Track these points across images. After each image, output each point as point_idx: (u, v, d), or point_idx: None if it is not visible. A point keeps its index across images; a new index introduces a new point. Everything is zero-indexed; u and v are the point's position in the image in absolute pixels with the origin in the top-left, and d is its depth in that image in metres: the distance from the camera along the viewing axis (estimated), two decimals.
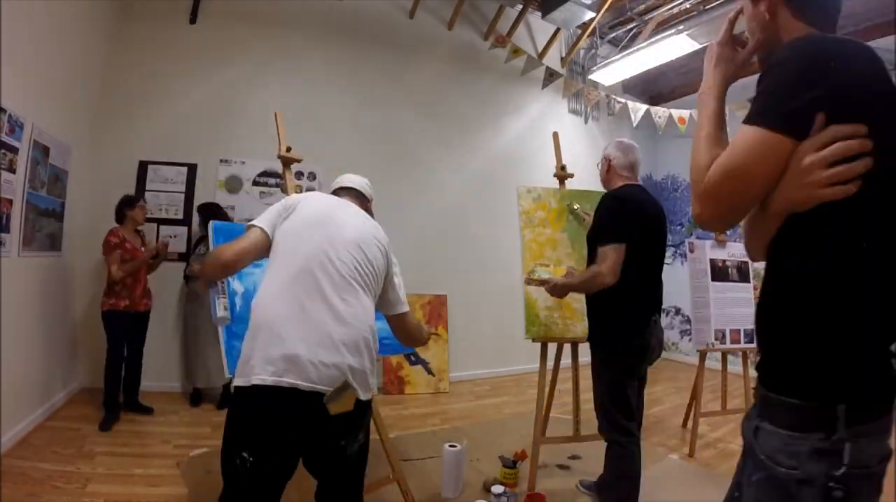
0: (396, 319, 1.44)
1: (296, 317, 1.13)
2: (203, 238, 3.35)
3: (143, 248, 3.00)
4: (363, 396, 1.17)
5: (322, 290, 1.16)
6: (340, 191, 1.52)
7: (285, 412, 1.09)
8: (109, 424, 2.73)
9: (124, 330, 2.90)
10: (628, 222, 1.76)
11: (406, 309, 1.44)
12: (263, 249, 1.27)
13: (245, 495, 1.12)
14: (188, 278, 3.41)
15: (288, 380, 1.07)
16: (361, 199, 1.52)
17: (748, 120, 0.71)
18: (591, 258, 1.86)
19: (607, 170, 2.00)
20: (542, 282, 2.07)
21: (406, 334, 1.49)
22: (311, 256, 1.20)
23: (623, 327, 1.78)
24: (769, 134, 0.68)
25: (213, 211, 3.31)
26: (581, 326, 2.40)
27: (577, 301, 2.45)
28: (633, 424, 1.82)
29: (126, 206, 2.98)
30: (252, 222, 1.29)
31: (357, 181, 1.56)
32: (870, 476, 0.67)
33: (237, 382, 1.11)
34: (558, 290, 1.95)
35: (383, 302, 1.39)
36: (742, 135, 0.71)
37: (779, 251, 0.75)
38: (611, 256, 1.71)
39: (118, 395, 2.90)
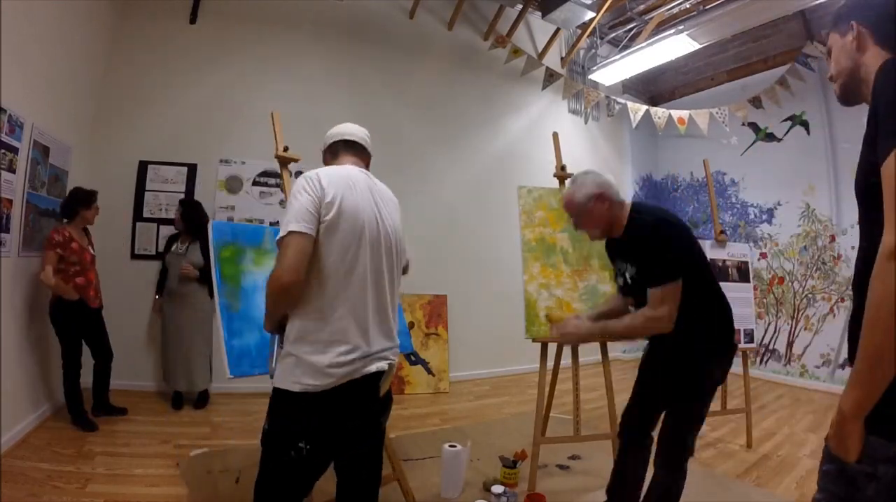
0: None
1: (363, 322, 1.19)
2: (178, 235, 3.27)
3: (90, 248, 2.80)
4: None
5: (378, 292, 1.24)
6: (341, 148, 1.38)
7: (353, 401, 1.18)
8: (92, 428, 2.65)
9: (77, 327, 2.68)
10: (685, 249, 1.55)
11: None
12: (308, 255, 1.15)
13: (294, 481, 1.18)
14: (163, 278, 3.31)
15: (364, 371, 1.17)
16: (364, 158, 1.43)
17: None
18: (641, 300, 1.58)
19: (608, 208, 1.63)
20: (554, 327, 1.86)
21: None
22: (365, 268, 1.21)
23: (721, 334, 1.61)
24: None
25: (196, 209, 3.25)
26: None
27: (578, 301, 2.45)
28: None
29: (81, 204, 2.73)
30: (290, 228, 1.12)
31: (358, 132, 1.43)
32: None
33: (308, 387, 1.12)
34: (577, 339, 1.78)
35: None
36: None
37: None
38: (669, 298, 1.48)
39: (83, 408, 2.71)
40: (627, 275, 1.66)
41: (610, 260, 1.83)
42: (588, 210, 1.64)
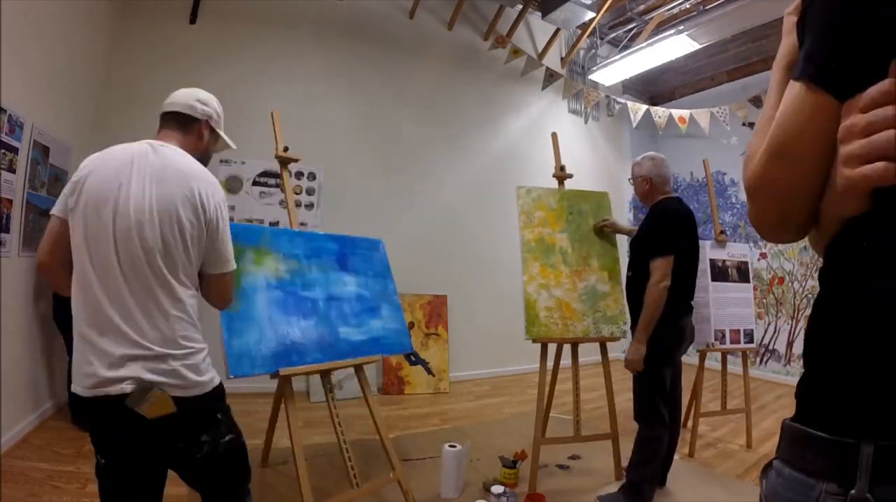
0: (215, 280, 1.19)
1: (95, 328, 1.02)
2: None
3: None
4: (182, 393, 1.05)
5: (118, 290, 1.03)
6: (161, 121, 1.26)
7: (105, 420, 1.04)
8: None
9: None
10: (675, 235, 2.02)
11: (230, 268, 1.22)
12: (63, 237, 1.07)
13: (112, 497, 1.10)
14: None
15: (100, 391, 1.00)
16: (186, 127, 1.23)
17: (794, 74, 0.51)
18: (634, 260, 2.14)
19: (649, 187, 2.17)
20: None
21: (217, 293, 1.23)
22: (98, 251, 1.03)
23: (665, 317, 1.98)
24: (810, 92, 0.47)
25: None
26: (581, 326, 2.40)
27: (578, 301, 2.45)
28: (666, 409, 2.05)
29: None
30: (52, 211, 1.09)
31: (180, 99, 1.24)
32: None
33: (73, 388, 1.05)
34: (638, 359, 2.01)
35: (207, 262, 1.16)
36: (788, 94, 0.51)
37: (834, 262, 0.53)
38: (662, 267, 1.96)
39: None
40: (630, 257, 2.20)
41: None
42: (634, 181, 2.25)
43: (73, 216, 1.06)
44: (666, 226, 2.04)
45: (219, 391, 1.17)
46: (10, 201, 2.41)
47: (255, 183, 3.82)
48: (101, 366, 1.00)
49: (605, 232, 2.59)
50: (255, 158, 3.76)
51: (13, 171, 2.41)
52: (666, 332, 2.02)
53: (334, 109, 4.14)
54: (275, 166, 2.14)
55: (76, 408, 1.12)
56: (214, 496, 1.22)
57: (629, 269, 2.20)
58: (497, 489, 2.00)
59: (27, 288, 2.64)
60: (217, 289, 1.21)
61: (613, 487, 2.30)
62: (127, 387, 0.99)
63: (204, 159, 1.28)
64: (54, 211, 1.09)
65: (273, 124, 2.12)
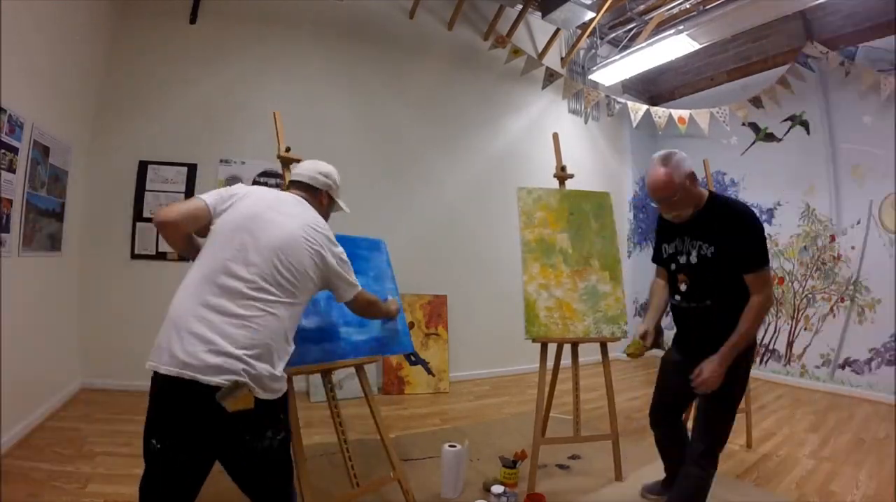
0: (350, 304, 1.56)
1: (198, 317, 1.15)
2: None
3: None
4: (263, 395, 1.17)
5: (222, 296, 1.19)
6: (291, 185, 1.56)
7: (186, 403, 1.12)
8: None
9: None
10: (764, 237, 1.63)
11: (355, 292, 1.52)
12: (202, 221, 1.31)
13: (157, 481, 1.15)
14: None
15: (189, 373, 1.09)
16: (311, 192, 1.53)
17: None
18: (714, 286, 1.65)
19: (697, 186, 1.70)
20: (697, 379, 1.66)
21: (363, 311, 1.66)
22: (221, 265, 1.22)
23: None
24: None
25: None
26: (581, 326, 2.40)
27: (578, 301, 2.45)
28: None
29: None
30: (200, 195, 1.34)
31: (305, 171, 1.55)
32: None
33: (150, 365, 1.15)
34: (722, 369, 1.60)
35: (336, 294, 1.50)
36: None
37: None
38: (771, 279, 1.61)
39: None
40: (696, 254, 1.69)
41: (665, 238, 1.86)
42: (686, 188, 1.66)
43: (222, 215, 1.31)
44: (761, 230, 1.60)
45: (286, 393, 1.30)
46: (10, 201, 2.41)
47: (255, 183, 3.82)
48: (201, 351, 1.11)
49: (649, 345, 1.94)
50: (255, 158, 3.76)
51: (13, 171, 2.41)
52: (752, 351, 1.72)
53: (334, 109, 4.14)
54: (275, 166, 2.14)
55: (151, 390, 1.17)
56: (269, 490, 1.29)
57: (703, 299, 1.69)
58: (497, 489, 2.00)
59: (27, 288, 2.64)
60: (357, 309, 1.63)
61: (614, 487, 2.30)
62: (220, 381, 1.09)
63: (324, 217, 1.55)
64: (205, 197, 1.33)
65: (275, 125, 2.11)
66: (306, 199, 1.49)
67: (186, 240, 1.34)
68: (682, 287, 1.76)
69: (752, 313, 1.58)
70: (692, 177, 1.68)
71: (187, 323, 1.14)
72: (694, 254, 1.70)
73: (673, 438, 2.06)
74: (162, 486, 1.15)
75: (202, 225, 1.32)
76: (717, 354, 1.60)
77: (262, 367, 1.17)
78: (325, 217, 1.55)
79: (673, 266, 1.81)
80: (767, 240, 5.06)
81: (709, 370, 1.60)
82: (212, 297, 1.18)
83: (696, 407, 1.78)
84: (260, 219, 1.31)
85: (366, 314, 1.70)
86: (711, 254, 1.64)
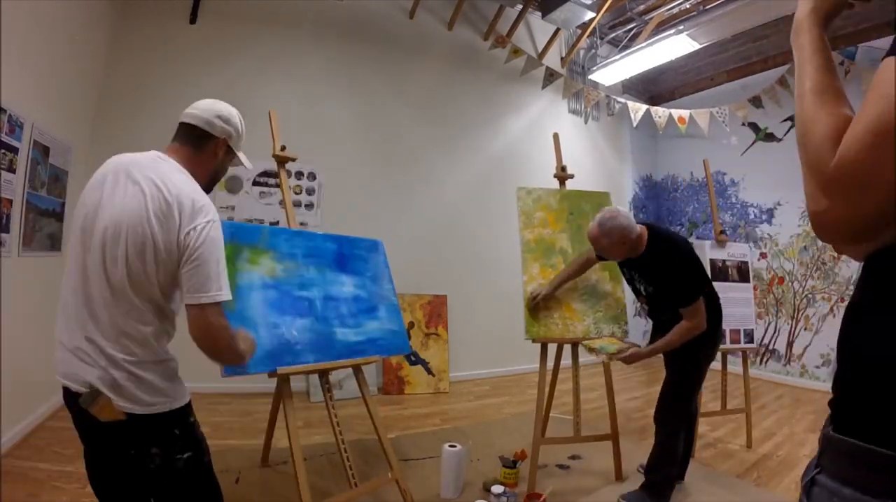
0: (192, 311, 1.03)
1: (65, 322, 1.05)
2: None
3: None
4: (133, 409, 1.00)
5: (89, 296, 1.03)
6: (177, 131, 1.23)
7: (73, 412, 1.06)
8: None
9: None
10: (699, 270, 2.00)
11: (206, 300, 1.02)
12: None
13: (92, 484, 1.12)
14: None
15: (64, 382, 1.03)
16: (199, 142, 1.18)
17: None
18: (663, 309, 2.06)
19: (629, 247, 1.99)
20: (613, 356, 2.08)
21: (201, 335, 1.04)
22: (76, 258, 1.07)
23: (712, 320, 1.99)
24: None
25: None
26: (581, 326, 2.40)
27: (578, 301, 2.45)
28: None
29: None
30: None
31: (200, 111, 1.20)
32: None
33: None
34: (641, 358, 2.05)
35: (184, 287, 1.03)
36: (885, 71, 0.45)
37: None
38: (701, 309, 1.90)
39: None
40: (643, 289, 2.09)
41: (627, 265, 2.17)
42: (614, 244, 1.98)
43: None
44: (693, 263, 1.98)
45: (176, 411, 1.09)
46: (10, 201, 2.41)
47: (255, 183, 3.82)
48: (67, 357, 1.03)
49: (540, 300, 2.35)
50: (255, 158, 3.72)
51: (13, 171, 2.41)
52: (713, 338, 2.05)
53: (334, 109, 4.14)
54: (275, 166, 2.14)
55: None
56: None
57: (659, 316, 2.14)
58: (497, 489, 2.00)
59: (27, 288, 2.64)
60: (193, 320, 1.03)
61: (614, 487, 2.30)
62: (81, 388, 0.99)
63: (215, 177, 1.25)
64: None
65: (270, 124, 2.11)
66: (178, 154, 1.16)
67: None
68: (646, 307, 2.18)
69: (679, 332, 1.92)
70: (623, 235, 1.95)
71: (62, 333, 1.06)
72: (643, 288, 2.11)
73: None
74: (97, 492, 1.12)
75: None
76: (647, 348, 2.04)
77: (125, 379, 1.00)
78: (217, 173, 1.25)
79: (634, 288, 2.19)
80: (767, 241, 5.06)
81: (634, 354, 2.04)
82: (77, 315, 1.04)
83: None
84: (99, 201, 1.06)
85: (204, 337, 1.06)
86: (653, 291, 2.06)
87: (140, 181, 1.06)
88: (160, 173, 1.08)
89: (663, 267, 1.94)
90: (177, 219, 1.02)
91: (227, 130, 1.21)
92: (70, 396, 1.03)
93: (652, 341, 2.16)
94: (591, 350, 2.19)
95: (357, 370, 2.02)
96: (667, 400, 2.10)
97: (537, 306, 2.34)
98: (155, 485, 1.08)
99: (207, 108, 1.20)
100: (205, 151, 1.19)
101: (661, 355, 2.10)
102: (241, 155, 1.28)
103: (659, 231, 2.03)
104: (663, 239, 1.99)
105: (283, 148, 2.08)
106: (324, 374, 1.93)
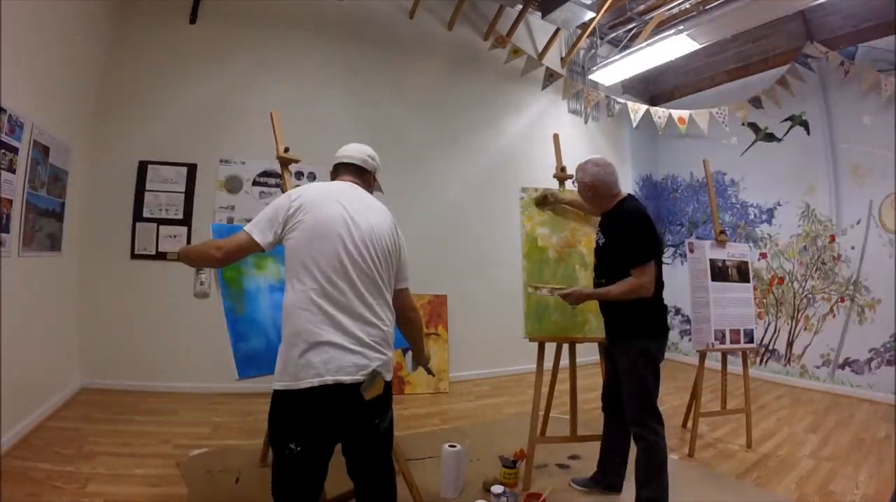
0: (400, 294, 1.46)
1: (329, 324, 1.23)
2: None
3: None
4: (388, 377, 1.32)
5: (348, 297, 1.26)
6: (340, 168, 1.55)
7: (330, 406, 1.21)
8: None
9: None
10: (654, 239, 1.98)
11: (407, 285, 1.49)
12: (249, 253, 1.36)
13: (297, 479, 1.24)
14: None
15: (332, 378, 1.19)
16: (362, 175, 1.55)
17: None
18: (606, 268, 2.03)
19: (593, 194, 2.10)
20: (555, 290, 2.12)
21: (404, 311, 1.49)
22: (331, 265, 1.26)
23: (658, 318, 2.02)
24: None
25: None
26: (581, 327, 2.40)
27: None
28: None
29: None
30: (246, 226, 1.33)
31: (356, 154, 1.57)
32: None
33: (281, 386, 1.23)
34: (581, 297, 2.07)
35: (398, 279, 1.46)
36: None
37: None
38: (649, 272, 1.91)
39: None
40: (601, 242, 2.09)
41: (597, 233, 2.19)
42: (581, 187, 2.13)
43: (293, 233, 1.29)
44: (649, 230, 1.95)
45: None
46: (10, 201, 2.41)
47: (255, 183, 3.82)
48: (341, 356, 1.21)
49: (549, 201, 2.54)
50: (255, 158, 3.76)
51: (13, 171, 2.41)
52: (662, 333, 2.03)
53: (334, 109, 4.14)
54: (275, 166, 2.14)
55: (286, 404, 1.23)
56: (385, 465, 1.39)
57: (600, 277, 2.08)
58: (497, 489, 2.00)
59: (27, 288, 2.64)
60: (404, 300, 1.49)
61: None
62: (359, 377, 1.22)
63: None
64: (252, 230, 1.31)
65: (273, 125, 2.11)
66: (357, 184, 1.50)
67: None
68: (595, 264, 2.16)
69: (624, 286, 1.92)
70: (596, 177, 2.06)
71: (321, 333, 1.22)
72: (601, 241, 2.10)
73: (614, 431, 2.20)
74: (302, 483, 1.24)
75: (246, 255, 1.39)
76: (590, 289, 2.08)
77: (388, 354, 1.31)
78: None
79: (596, 248, 2.17)
80: (767, 241, 5.06)
81: (575, 294, 2.06)
82: (335, 305, 1.24)
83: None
84: (343, 213, 1.32)
85: (405, 313, 1.51)
86: (605, 244, 2.06)
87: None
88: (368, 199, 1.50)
89: (626, 224, 1.97)
90: (396, 232, 1.46)
91: (376, 166, 1.63)
92: (332, 390, 1.19)
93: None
94: (535, 288, 2.26)
95: None
96: (640, 399, 1.94)
97: (545, 201, 2.52)
98: (383, 445, 1.38)
99: (360, 150, 1.61)
100: (365, 181, 1.57)
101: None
102: (379, 183, 1.69)
103: (635, 200, 2.10)
104: (636, 206, 2.05)
105: (286, 149, 2.07)
106: None
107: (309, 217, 1.29)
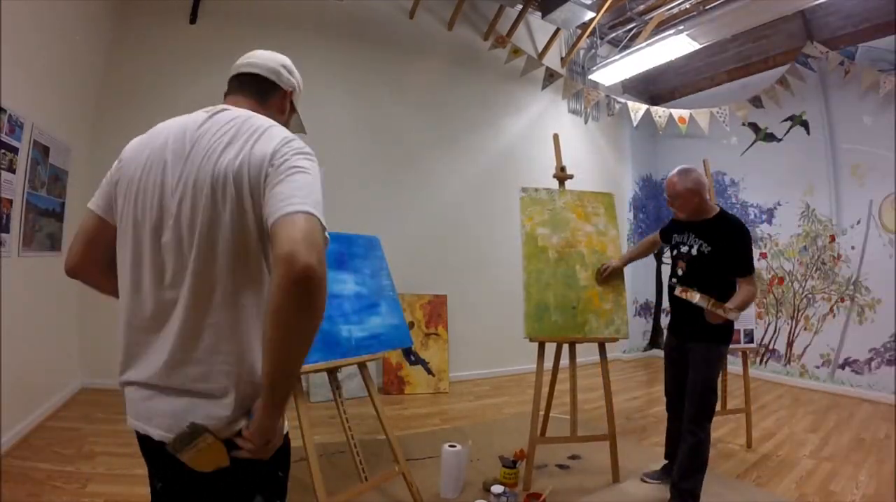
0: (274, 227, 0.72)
1: (133, 343, 0.87)
2: None
3: None
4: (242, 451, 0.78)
5: (152, 303, 0.85)
6: (232, 86, 1.04)
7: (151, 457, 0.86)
8: None
9: None
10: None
11: (291, 209, 0.72)
12: (109, 236, 0.92)
13: None
14: None
15: (137, 425, 0.83)
16: (263, 95, 0.99)
17: None
18: (703, 276, 2.07)
19: (699, 199, 2.11)
20: (712, 303, 1.99)
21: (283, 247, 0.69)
22: (136, 258, 0.85)
23: (732, 325, 2.09)
24: None
25: None
26: (581, 327, 2.40)
27: (577, 301, 2.45)
28: None
29: None
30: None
31: (264, 62, 1.00)
32: None
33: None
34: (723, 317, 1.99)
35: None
36: None
37: None
38: (756, 281, 2.04)
39: None
40: (696, 250, 2.10)
41: (672, 233, 2.26)
42: (685, 194, 2.10)
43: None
44: (748, 243, 2.05)
45: (285, 445, 0.88)
46: (10, 201, 2.41)
47: None
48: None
49: (604, 275, 2.47)
50: None
51: (13, 171, 2.41)
52: (731, 333, 2.11)
53: (334, 109, 4.14)
54: None
55: None
56: None
57: (690, 284, 2.07)
58: (497, 489, 2.00)
59: (27, 288, 2.64)
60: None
61: (613, 488, 2.30)
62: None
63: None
64: (92, 203, 0.94)
65: None
66: (254, 105, 0.97)
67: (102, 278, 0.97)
68: (679, 272, 2.16)
69: (747, 295, 1.97)
70: (698, 183, 2.08)
71: (126, 357, 0.93)
72: (694, 249, 2.10)
73: (679, 425, 2.19)
74: None
75: (110, 240, 0.92)
76: (726, 305, 1.94)
77: (222, 404, 0.79)
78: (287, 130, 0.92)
79: (675, 252, 2.21)
80: (767, 241, 5.06)
81: (717, 313, 1.95)
82: (141, 315, 0.89)
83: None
84: (159, 172, 0.85)
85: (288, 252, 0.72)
86: (709, 252, 2.05)
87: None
88: None
89: (737, 233, 2.04)
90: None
91: (293, 83, 1.03)
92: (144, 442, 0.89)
93: (673, 329, 2.26)
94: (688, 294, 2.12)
95: (362, 367, 2.04)
96: (704, 398, 2.03)
97: (607, 279, 2.49)
98: None
99: (270, 58, 1.01)
100: (271, 105, 1.00)
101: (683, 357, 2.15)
102: (300, 114, 1.09)
103: (730, 213, 2.18)
104: (735, 216, 2.14)
105: None
106: (332, 372, 1.95)
107: (126, 171, 0.94)
